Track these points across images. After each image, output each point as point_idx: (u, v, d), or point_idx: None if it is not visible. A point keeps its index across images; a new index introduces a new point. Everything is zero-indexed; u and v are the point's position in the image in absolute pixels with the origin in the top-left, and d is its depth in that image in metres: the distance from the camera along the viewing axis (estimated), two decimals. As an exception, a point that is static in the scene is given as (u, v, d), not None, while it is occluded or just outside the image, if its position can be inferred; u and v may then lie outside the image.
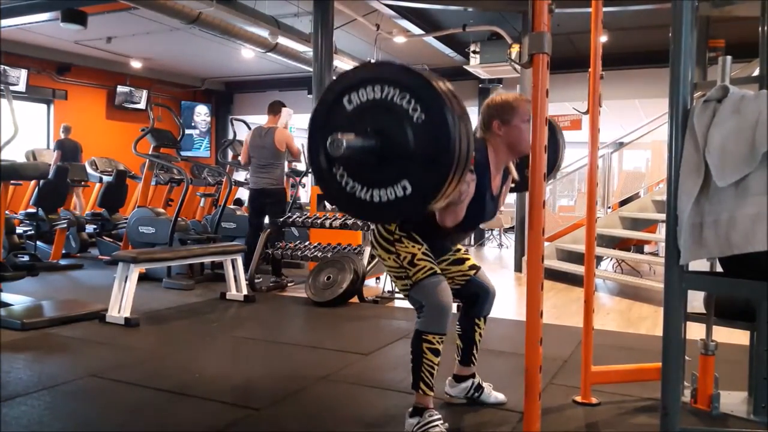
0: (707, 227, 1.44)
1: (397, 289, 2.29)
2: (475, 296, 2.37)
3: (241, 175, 8.79)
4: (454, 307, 2.24)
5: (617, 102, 9.71)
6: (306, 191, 8.46)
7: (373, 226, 2.24)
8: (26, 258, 6.02)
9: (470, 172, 1.94)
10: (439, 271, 2.15)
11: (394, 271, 2.18)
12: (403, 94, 1.64)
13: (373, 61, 1.96)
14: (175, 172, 7.55)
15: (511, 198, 9.17)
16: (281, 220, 5.35)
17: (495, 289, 2.42)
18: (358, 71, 1.81)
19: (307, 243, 5.42)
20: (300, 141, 5.72)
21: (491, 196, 2.21)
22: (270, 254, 5.38)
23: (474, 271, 2.37)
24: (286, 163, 5.80)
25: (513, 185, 2.38)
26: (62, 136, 8.95)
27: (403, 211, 1.77)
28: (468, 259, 2.39)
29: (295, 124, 14.59)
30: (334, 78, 1.83)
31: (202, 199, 8.90)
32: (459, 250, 2.39)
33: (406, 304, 4.76)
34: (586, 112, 2.57)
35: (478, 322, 2.40)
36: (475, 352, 2.44)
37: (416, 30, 7.85)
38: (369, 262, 4.90)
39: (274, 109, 5.61)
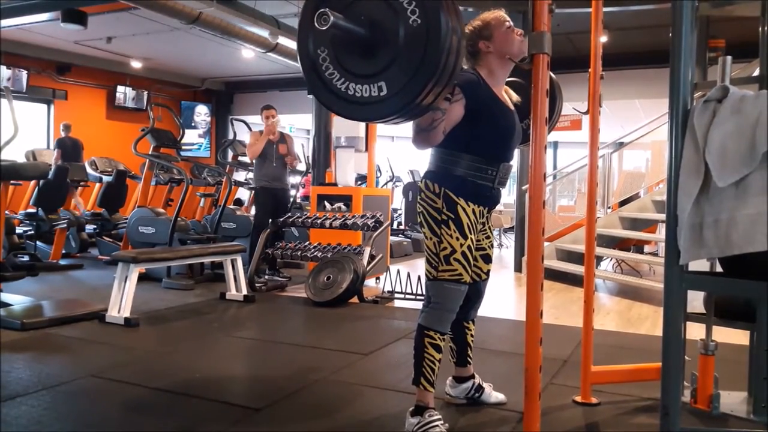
0: (707, 227, 1.44)
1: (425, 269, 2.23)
2: (467, 299, 2.32)
3: (241, 175, 8.80)
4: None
5: (617, 102, 9.71)
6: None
7: (420, 208, 2.16)
8: (26, 258, 6.03)
9: (446, 100, 1.93)
10: (465, 279, 2.12)
11: (429, 255, 2.14)
12: None
13: None
14: (175, 172, 7.55)
15: (511, 198, 9.17)
16: (281, 220, 5.35)
17: (484, 296, 2.44)
18: None
19: (307, 243, 5.42)
20: (300, 141, 5.74)
21: (506, 105, 2.18)
22: (270, 254, 5.38)
23: (486, 277, 2.38)
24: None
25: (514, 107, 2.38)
26: (63, 134, 8.95)
27: (377, 111, 1.73)
28: (491, 260, 2.39)
29: (295, 124, 14.62)
30: None
31: (202, 199, 8.91)
32: (492, 245, 2.38)
33: (405, 304, 4.77)
34: (586, 112, 2.57)
35: (467, 324, 2.41)
36: (469, 352, 2.44)
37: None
38: (369, 262, 4.90)
39: (261, 112, 5.73)
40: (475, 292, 2.35)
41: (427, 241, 2.15)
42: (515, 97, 2.31)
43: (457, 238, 2.09)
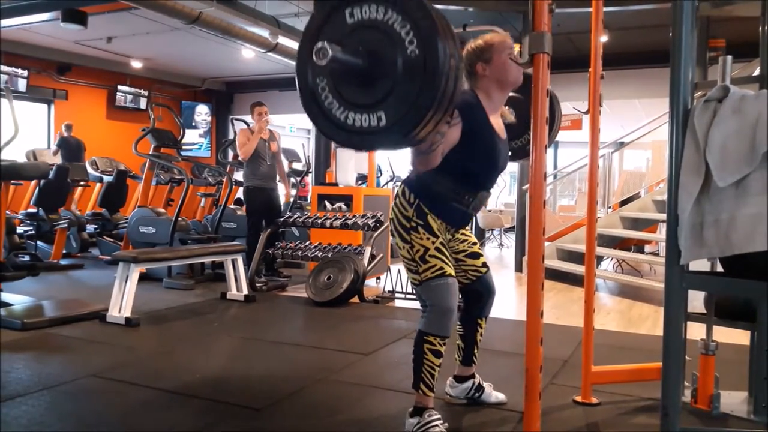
0: (708, 227, 1.44)
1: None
2: (479, 295, 2.37)
3: (241, 175, 8.80)
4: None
5: (617, 102, 9.70)
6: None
7: (392, 214, 2.20)
8: (27, 258, 6.03)
9: (446, 123, 1.92)
10: (449, 271, 2.12)
11: (406, 263, 2.17)
12: (404, 24, 1.59)
13: None
14: (176, 172, 7.55)
15: (511, 198, 9.16)
16: (281, 219, 5.35)
17: (495, 291, 2.43)
18: None
19: (307, 243, 5.42)
20: (301, 141, 5.73)
21: (498, 135, 2.18)
22: (271, 254, 5.38)
23: (486, 270, 2.37)
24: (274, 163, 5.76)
25: (511, 153, 2.38)
26: (65, 134, 8.95)
27: (374, 142, 1.73)
28: (482, 255, 2.39)
29: (295, 124, 14.61)
30: None
31: (203, 199, 8.91)
32: (475, 243, 2.38)
33: (406, 304, 4.77)
34: (587, 112, 2.57)
35: (480, 322, 2.41)
36: (476, 351, 2.44)
37: (416, 30, 7.84)
38: (369, 262, 4.90)
39: (251, 110, 5.63)
40: (484, 287, 2.36)
41: (401, 251, 2.18)
42: (510, 117, 2.33)
43: (428, 238, 2.12)
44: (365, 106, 1.66)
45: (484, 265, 2.38)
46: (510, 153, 2.40)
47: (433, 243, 2.12)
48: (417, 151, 1.99)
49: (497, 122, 2.21)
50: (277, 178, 5.82)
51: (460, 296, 2.37)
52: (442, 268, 2.11)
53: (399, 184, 2.21)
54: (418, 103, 1.59)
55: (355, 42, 1.65)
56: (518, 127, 2.43)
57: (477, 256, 2.36)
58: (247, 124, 5.77)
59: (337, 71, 1.67)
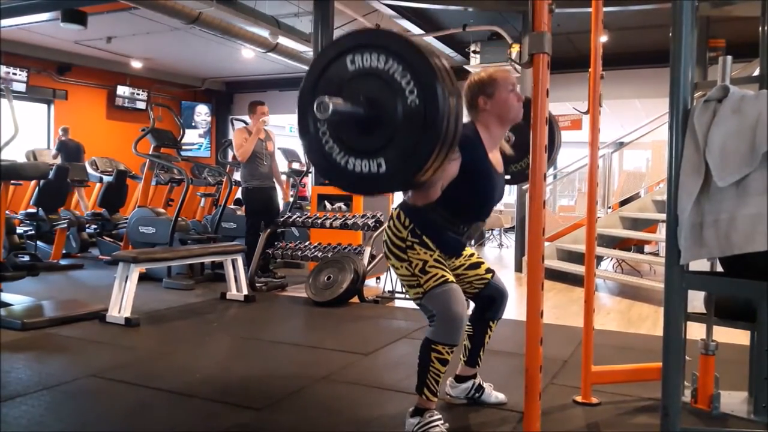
0: (707, 227, 1.44)
1: (409, 297, 2.23)
2: (492, 299, 2.35)
3: (240, 176, 8.80)
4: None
5: (617, 102, 9.70)
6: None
7: (385, 236, 2.20)
8: (26, 258, 6.01)
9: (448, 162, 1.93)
10: (451, 279, 2.11)
11: (406, 280, 2.14)
12: (405, 74, 1.60)
13: (388, 29, 1.89)
14: (176, 172, 7.55)
15: (511, 198, 9.17)
16: (281, 219, 5.35)
17: (507, 292, 2.42)
18: (369, 34, 1.76)
19: (307, 243, 5.42)
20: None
21: (495, 171, 2.19)
22: (271, 254, 5.38)
23: (491, 275, 2.36)
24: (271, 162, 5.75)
25: (509, 177, 2.38)
26: (63, 138, 8.95)
27: (375, 186, 1.75)
28: (483, 262, 2.38)
29: (295, 124, 14.60)
30: (345, 34, 1.75)
31: (203, 199, 8.91)
32: (473, 254, 2.38)
33: (406, 304, 4.77)
34: (587, 112, 2.57)
35: (491, 324, 2.40)
36: (481, 353, 2.44)
37: (416, 30, 7.85)
38: (369, 262, 4.90)
39: (250, 109, 5.60)
40: (495, 291, 2.35)
41: (398, 271, 2.15)
42: (509, 150, 2.35)
43: (425, 252, 2.11)
44: (366, 152, 1.67)
45: (489, 270, 2.37)
46: (509, 176, 2.41)
47: (431, 256, 2.12)
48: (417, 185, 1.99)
49: (495, 157, 2.22)
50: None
51: (474, 302, 2.37)
52: (443, 276, 2.09)
53: (394, 208, 2.22)
54: (418, 152, 1.60)
55: (356, 89, 1.66)
56: (518, 152, 2.44)
57: (477, 265, 2.36)
58: (247, 124, 5.76)
59: (338, 119, 1.68)
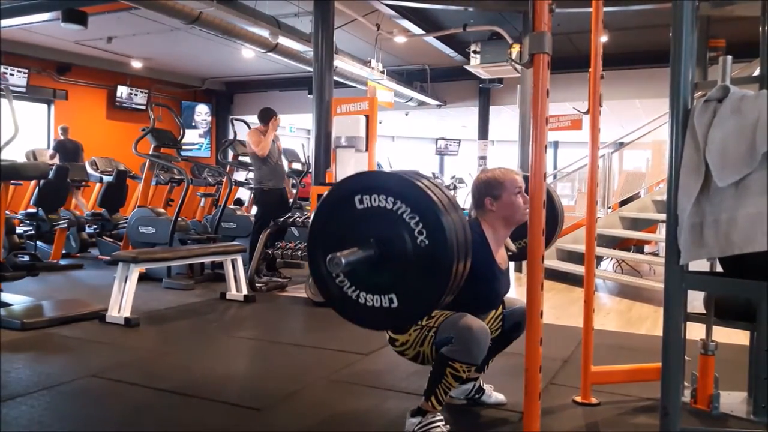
0: (707, 227, 1.44)
1: (424, 351, 2.15)
2: (516, 325, 2.32)
3: (241, 175, 8.80)
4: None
5: (617, 102, 9.71)
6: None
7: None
8: (26, 258, 6.02)
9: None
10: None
11: (416, 334, 2.08)
12: (414, 216, 1.62)
13: (400, 171, 1.93)
14: (176, 172, 7.55)
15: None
16: (282, 219, 5.34)
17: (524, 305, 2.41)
18: (380, 177, 1.79)
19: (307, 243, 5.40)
20: (301, 141, 5.73)
21: (500, 270, 2.21)
22: (271, 254, 5.37)
23: (501, 307, 2.34)
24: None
25: (510, 253, 2.39)
26: (61, 137, 8.94)
27: (386, 322, 1.76)
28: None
29: (295, 124, 14.61)
30: (353, 175, 1.80)
31: (203, 199, 8.91)
32: None
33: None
34: (587, 112, 2.57)
35: (513, 341, 2.38)
36: (491, 361, 2.44)
37: (417, 30, 7.86)
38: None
39: (265, 117, 5.63)
40: (515, 317, 2.32)
41: (403, 338, 2.11)
42: (513, 247, 2.36)
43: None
44: (377, 287, 1.69)
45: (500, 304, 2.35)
46: (510, 252, 2.40)
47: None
48: None
49: (500, 254, 2.24)
50: None
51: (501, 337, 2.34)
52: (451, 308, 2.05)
53: None
54: (429, 290, 1.62)
55: (364, 231, 1.68)
56: (520, 231, 2.43)
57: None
58: (248, 125, 5.77)
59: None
